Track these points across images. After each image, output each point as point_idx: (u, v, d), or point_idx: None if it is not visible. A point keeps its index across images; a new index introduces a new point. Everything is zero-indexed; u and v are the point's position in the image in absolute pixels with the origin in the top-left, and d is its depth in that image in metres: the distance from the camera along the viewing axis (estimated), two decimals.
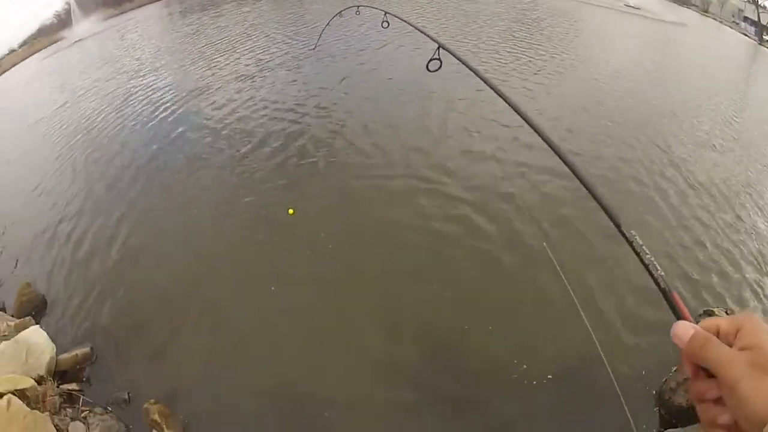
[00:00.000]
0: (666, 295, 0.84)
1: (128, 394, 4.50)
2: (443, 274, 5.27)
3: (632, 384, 4.18)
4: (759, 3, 26.03)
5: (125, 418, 4.36)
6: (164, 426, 4.15)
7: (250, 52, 14.34)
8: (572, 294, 3.66)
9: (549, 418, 3.98)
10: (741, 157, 8.64)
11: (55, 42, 27.23)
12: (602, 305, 4.91)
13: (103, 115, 11.31)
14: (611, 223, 1.12)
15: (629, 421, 3.49)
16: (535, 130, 1.63)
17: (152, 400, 4.25)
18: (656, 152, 8.04)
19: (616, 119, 9.22)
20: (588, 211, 5.75)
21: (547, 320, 4.68)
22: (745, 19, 28.47)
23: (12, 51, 26.47)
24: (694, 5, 31.25)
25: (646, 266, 0.94)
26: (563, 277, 3.65)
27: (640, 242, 0.99)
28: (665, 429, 3.83)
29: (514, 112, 1.83)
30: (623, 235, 1.05)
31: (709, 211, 6.69)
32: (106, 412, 4.50)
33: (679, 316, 0.77)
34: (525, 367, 4.32)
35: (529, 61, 12.37)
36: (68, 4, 31.28)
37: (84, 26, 28.42)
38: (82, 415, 4.52)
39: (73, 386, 4.69)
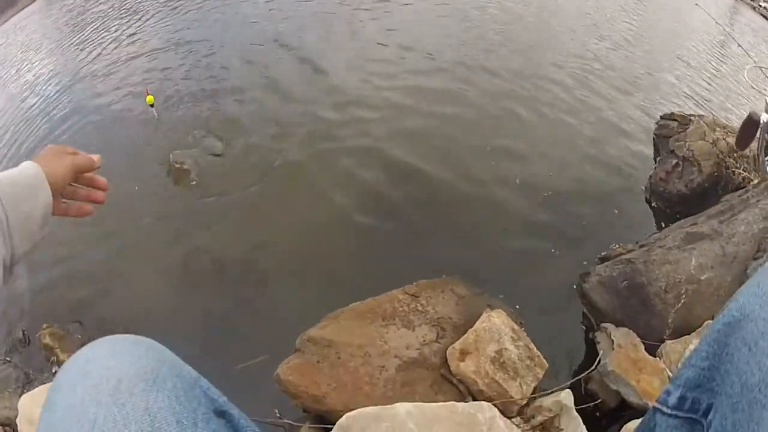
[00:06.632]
0: None
1: (23, 331, 3.74)
2: None
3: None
4: None
5: (25, 362, 3.60)
6: (58, 349, 3.42)
7: None
8: None
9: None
10: None
11: None
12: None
13: None
14: None
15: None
16: None
17: (44, 326, 3.49)
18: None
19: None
20: None
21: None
22: None
23: None
24: None
25: None
26: None
27: None
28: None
29: None
30: None
31: None
32: (4, 363, 3.77)
33: None
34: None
35: None
36: None
37: None
38: None
39: None
